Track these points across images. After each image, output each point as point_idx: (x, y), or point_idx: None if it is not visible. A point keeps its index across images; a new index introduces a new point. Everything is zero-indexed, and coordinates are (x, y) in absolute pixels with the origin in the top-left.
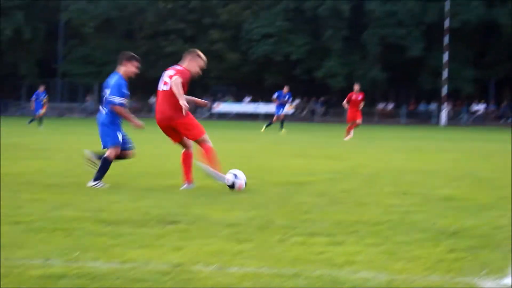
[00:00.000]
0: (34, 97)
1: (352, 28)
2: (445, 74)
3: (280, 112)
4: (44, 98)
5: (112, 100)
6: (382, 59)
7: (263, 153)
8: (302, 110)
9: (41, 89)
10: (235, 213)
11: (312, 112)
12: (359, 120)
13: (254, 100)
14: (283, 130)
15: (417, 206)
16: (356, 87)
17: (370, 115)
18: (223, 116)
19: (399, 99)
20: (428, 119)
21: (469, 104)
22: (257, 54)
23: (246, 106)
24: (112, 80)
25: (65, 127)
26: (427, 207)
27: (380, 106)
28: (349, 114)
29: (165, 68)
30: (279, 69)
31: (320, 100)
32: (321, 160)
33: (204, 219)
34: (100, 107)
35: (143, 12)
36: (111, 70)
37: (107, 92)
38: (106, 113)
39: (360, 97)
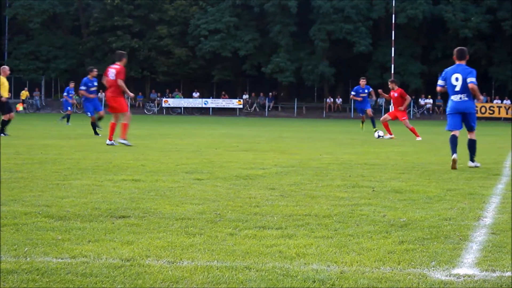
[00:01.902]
0: (65, 93)
1: (299, 24)
2: (392, 69)
3: (367, 107)
4: (73, 95)
5: None
6: (329, 54)
7: (212, 147)
8: (251, 105)
9: (71, 85)
10: (185, 207)
11: (261, 107)
12: (401, 116)
13: (202, 96)
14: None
15: (366, 199)
16: (391, 84)
17: (319, 109)
18: (172, 111)
19: (347, 94)
20: (376, 113)
21: (417, 98)
22: (205, 50)
23: (195, 101)
24: None
25: (13, 123)
26: (376, 200)
27: (329, 100)
28: (393, 112)
29: (113, 63)
30: (227, 64)
31: (270, 95)
32: (270, 154)
33: (154, 213)
34: None
35: (90, 8)
36: (58, 66)
37: None
38: None
39: (396, 94)
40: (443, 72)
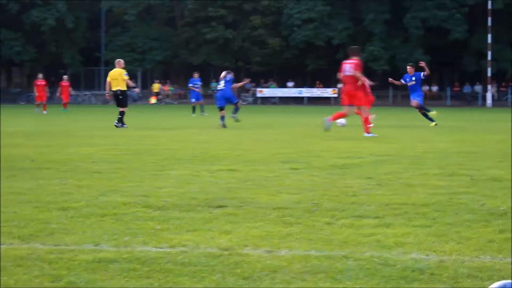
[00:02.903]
0: (190, 84)
1: (393, 12)
2: (489, 55)
3: (413, 97)
4: (198, 85)
5: None
6: (424, 42)
7: (308, 137)
8: None
9: (196, 76)
10: (281, 197)
11: None
12: None
13: (296, 85)
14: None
15: (465, 187)
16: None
17: None
18: (267, 101)
19: (443, 82)
20: (473, 101)
21: None
22: (299, 39)
23: (289, 91)
24: None
25: (110, 115)
26: (474, 188)
27: (424, 88)
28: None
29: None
30: (321, 53)
31: None
32: (366, 143)
33: (251, 203)
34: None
35: None
36: (153, 57)
37: None
38: None
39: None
40: None
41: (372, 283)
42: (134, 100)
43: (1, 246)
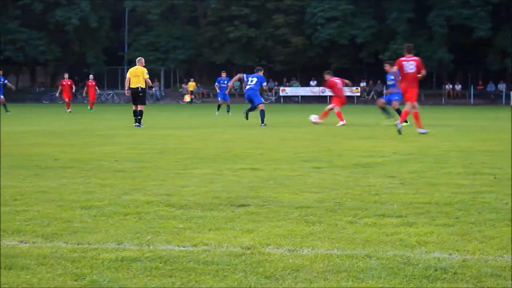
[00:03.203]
0: (216, 84)
1: (417, 10)
2: None
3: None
4: (226, 85)
5: None
6: (448, 40)
7: (330, 136)
8: (369, 93)
9: (223, 75)
10: (304, 196)
11: (379, 95)
12: None
13: (319, 84)
14: None
15: (488, 186)
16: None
17: (438, 96)
18: (289, 99)
19: (466, 80)
20: (497, 99)
21: None
22: (322, 38)
23: (312, 90)
24: None
25: (131, 114)
26: (498, 187)
27: (448, 87)
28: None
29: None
30: (344, 52)
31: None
32: (389, 142)
33: (273, 201)
34: None
35: None
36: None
37: None
38: None
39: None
40: None
41: (394, 282)
42: (158, 99)
43: (25, 244)
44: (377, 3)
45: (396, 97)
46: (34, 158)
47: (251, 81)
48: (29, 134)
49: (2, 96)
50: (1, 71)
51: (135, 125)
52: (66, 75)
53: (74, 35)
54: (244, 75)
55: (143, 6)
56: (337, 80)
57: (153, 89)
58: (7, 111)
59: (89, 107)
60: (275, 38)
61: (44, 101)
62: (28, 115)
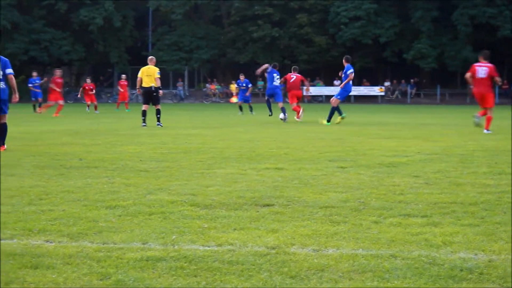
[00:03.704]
0: (236, 86)
1: (441, 9)
2: None
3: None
4: (244, 86)
5: None
6: (472, 39)
7: (355, 135)
8: (393, 92)
9: (242, 78)
10: (329, 195)
11: (403, 94)
12: None
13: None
14: None
15: None
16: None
17: (463, 96)
18: (313, 99)
19: None
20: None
21: None
22: (345, 37)
23: (336, 89)
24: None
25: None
26: None
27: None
28: None
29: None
30: (368, 51)
31: (412, 81)
32: (413, 142)
33: (298, 201)
34: None
35: None
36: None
37: None
38: None
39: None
40: None
41: (420, 283)
42: (182, 99)
43: (51, 244)
44: (401, 2)
45: (339, 96)
46: (60, 158)
47: (278, 79)
48: (54, 133)
49: (40, 97)
50: (35, 73)
51: (144, 125)
52: (88, 80)
53: (98, 34)
54: (270, 67)
55: (167, 5)
56: (292, 76)
57: (178, 88)
58: (34, 111)
59: (116, 108)
60: (299, 38)
61: (68, 101)
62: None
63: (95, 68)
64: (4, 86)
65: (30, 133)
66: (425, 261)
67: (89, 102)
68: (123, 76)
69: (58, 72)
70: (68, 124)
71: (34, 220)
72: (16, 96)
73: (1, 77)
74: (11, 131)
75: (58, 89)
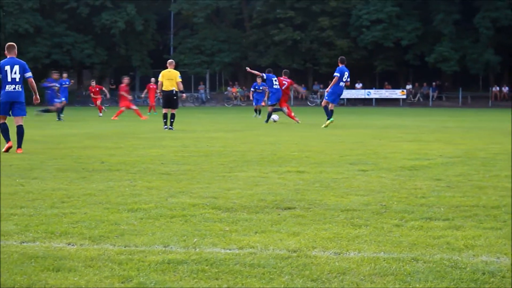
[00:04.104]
0: (252, 89)
1: (463, 12)
2: None
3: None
4: (261, 89)
5: None
6: (494, 42)
7: (376, 138)
8: (415, 95)
9: (259, 81)
10: (350, 198)
11: (425, 97)
12: None
13: (365, 87)
14: None
15: None
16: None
17: (485, 99)
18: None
19: None
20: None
21: None
22: (367, 40)
23: (357, 92)
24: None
25: (178, 117)
26: None
27: (495, 89)
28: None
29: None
30: (389, 54)
31: (433, 84)
32: (435, 145)
33: (319, 204)
34: None
35: (252, 1)
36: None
37: None
38: None
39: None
40: None
41: (441, 286)
42: (203, 102)
43: (72, 246)
44: (422, 5)
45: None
46: (82, 161)
47: (275, 80)
48: (77, 137)
49: (64, 99)
50: (66, 74)
51: (166, 128)
52: (93, 82)
53: (119, 38)
54: (265, 74)
55: (189, 9)
56: (284, 82)
57: (199, 91)
58: (58, 118)
59: (151, 111)
60: (320, 41)
61: (90, 104)
62: (76, 117)
63: (117, 71)
64: (21, 89)
65: (52, 136)
66: (447, 264)
67: (98, 104)
68: (152, 79)
69: (126, 80)
70: (89, 128)
71: (56, 223)
72: (37, 97)
73: (18, 80)
74: (34, 134)
75: (128, 96)
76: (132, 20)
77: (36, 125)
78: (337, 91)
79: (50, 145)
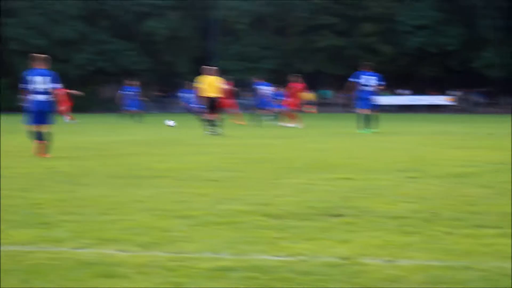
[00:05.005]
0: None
1: (509, 17)
2: None
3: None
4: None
5: None
6: None
7: (423, 145)
8: (461, 102)
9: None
10: (399, 206)
11: (471, 103)
12: None
13: (409, 93)
14: None
15: None
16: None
17: None
18: (380, 108)
19: None
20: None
21: None
22: (411, 46)
23: (402, 99)
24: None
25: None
26: None
27: None
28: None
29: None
30: (434, 60)
31: (480, 91)
32: (482, 151)
33: (369, 212)
34: None
35: (295, 7)
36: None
37: None
38: None
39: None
40: None
41: None
42: (247, 108)
43: (124, 253)
44: (467, 10)
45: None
46: (129, 168)
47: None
48: (124, 143)
49: (135, 108)
50: (138, 82)
51: (215, 133)
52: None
53: (164, 45)
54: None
55: (232, 16)
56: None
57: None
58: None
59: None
60: (364, 47)
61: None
62: (122, 124)
63: (161, 78)
64: (50, 99)
65: (97, 143)
66: (499, 272)
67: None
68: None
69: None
70: (135, 134)
71: (106, 229)
72: (61, 106)
73: (48, 91)
74: (82, 141)
75: (297, 98)
76: (176, 27)
77: (78, 131)
78: (361, 96)
79: (98, 151)
